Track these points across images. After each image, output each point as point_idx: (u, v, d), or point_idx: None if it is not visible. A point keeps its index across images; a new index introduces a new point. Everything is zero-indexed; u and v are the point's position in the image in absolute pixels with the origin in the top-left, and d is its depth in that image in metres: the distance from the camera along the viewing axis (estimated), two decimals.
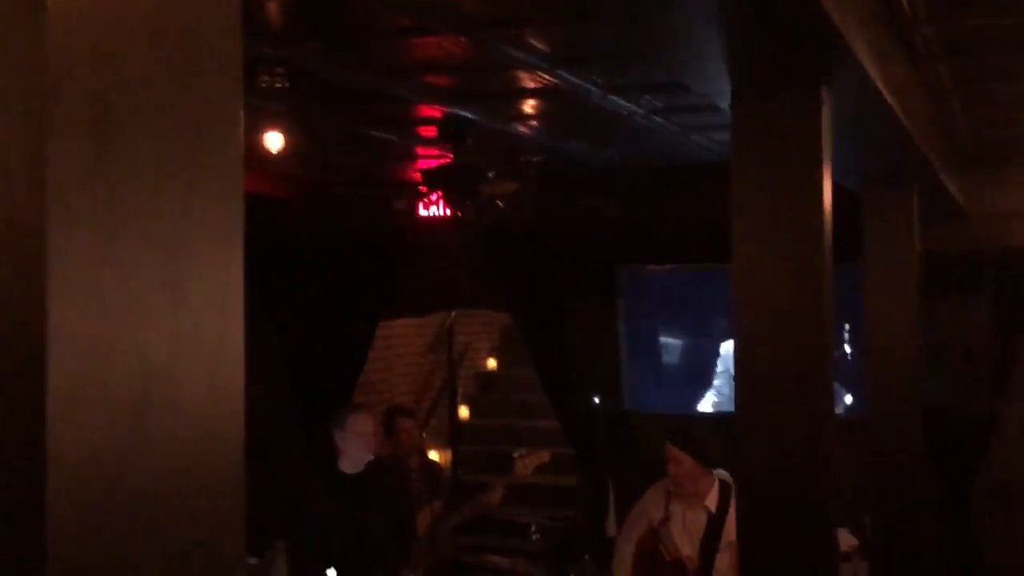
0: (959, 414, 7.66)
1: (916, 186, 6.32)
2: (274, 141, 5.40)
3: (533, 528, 7.64)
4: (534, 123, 6.59)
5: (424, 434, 8.01)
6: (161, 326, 1.21)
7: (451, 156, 6.72)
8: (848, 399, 7.83)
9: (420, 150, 7.47)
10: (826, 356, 3.58)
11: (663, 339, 8.52)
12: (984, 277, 7.64)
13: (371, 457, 6.48)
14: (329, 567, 6.27)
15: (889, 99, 4.14)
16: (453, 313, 10.76)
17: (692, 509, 5.82)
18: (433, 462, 8.42)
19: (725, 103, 3.72)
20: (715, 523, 5.70)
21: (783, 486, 3.52)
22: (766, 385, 3.60)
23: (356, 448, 6.42)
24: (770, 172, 3.64)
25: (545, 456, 7.28)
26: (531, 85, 5.59)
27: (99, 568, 1.13)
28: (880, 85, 3.92)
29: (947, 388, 7.40)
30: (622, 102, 5.77)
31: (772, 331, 3.58)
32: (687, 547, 5.76)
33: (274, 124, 5.52)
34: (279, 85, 5.02)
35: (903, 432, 6.43)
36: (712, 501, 5.76)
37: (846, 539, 6.29)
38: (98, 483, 1.13)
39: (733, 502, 5.53)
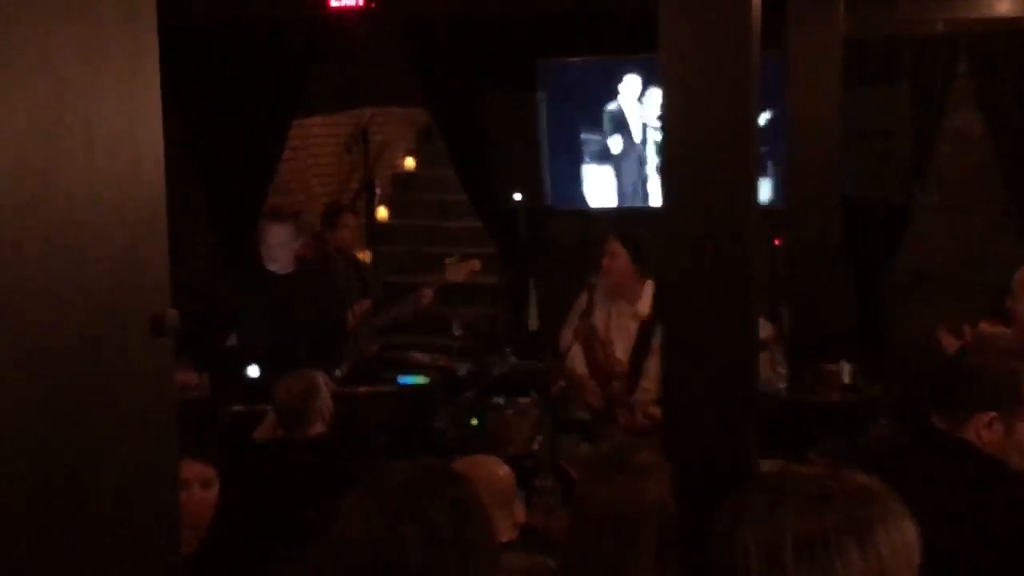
0: (877, 202, 7.75)
1: None
2: None
3: (455, 325, 7.68)
4: None
5: None
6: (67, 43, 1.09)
7: None
8: (767, 190, 7.86)
9: None
10: (750, 145, 3.51)
11: (584, 134, 8.41)
12: (903, 63, 7.60)
13: (293, 260, 6.42)
14: (252, 364, 6.26)
15: None
16: (369, 111, 10.51)
17: (623, 314, 5.83)
18: (362, 261, 8.38)
19: None
20: (646, 329, 5.72)
21: (704, 277, 3.49)
22: (690, 175, 3.53)
23: (276, 255, 6.36)
24: None
25: (476, 265, 7.28)
26: None
27: (16, 300, 1.05)
28: None
29: (865, 176, 7.44)
30: None
31: (696, 119, 3.50)
32: (618, 351, 5.80)
33: None
34: None
35: (823, 220, 6.49)
36: (644, 307, 5.77)
37: (763, 327, 6.40)
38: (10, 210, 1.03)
39: None
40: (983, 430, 2.98)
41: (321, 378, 5.31)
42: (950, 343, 4.74)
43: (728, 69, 3.44)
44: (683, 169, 3.49)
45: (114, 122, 1.20)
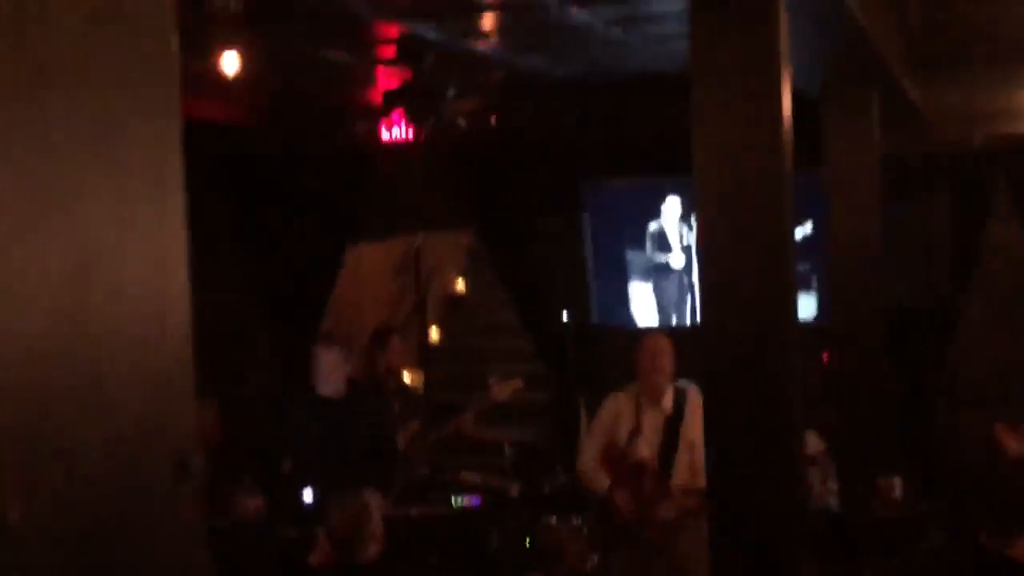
0: (920, 312, 7.78)
1: (876, 90, 6.35)
2: (230, 63, 5.35)
3: (505, 444, 7.74)
4: (493, 39, 6.55)
5: None
6: (97, 201, 1.21)
7: (411, 76, 6.68)
8: (811, 306, 7.93)
9: (381, 71, 7.41)
10: (788, 263, 3.62)
11: (629, 253, 8.56)
12: (942, 178, 7.70)
13: (345, 383, 6.56)
14: (307, 488, 6.36)
15: (847, 1, 4.15)
16: (420, 235, 10.74)
17: (650, 412, 5.98)
18: (408, 383, 8.51)
19: (681, 9, 3.71)
20: (672, 426, 5.86)
21: (749, 394, 3.57)
22: (728, 294, 3.63)
23: (327, 379, 6.50)
24: (729, 80, 3.64)
25: (518, 383, 7.39)
26: None
27: (43, 451, 1.13)
28: None
29: (908, 287, 7.50)
30: (580, 14, 5.74)
31: (734, 240, 3.61)
32: (646, 449, 5.92)
33: (228, 47, 5.46)
34: (232, 8, 4.97)
35: (865, 336, 6.53)
36: (668, 404, 5.92)
37: (814, 442, 6.41)
38: (40, 361, 1.12)
39: (691, 406, 5.66)
40: None
41: (373, 500, 5.38)
42: (1011, 444, 4.71)
43: (762, 189, 3.56)
44: (721, 287, 3.59)
45: (141, 279, 1.31)
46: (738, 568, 3.42)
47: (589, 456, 6.18)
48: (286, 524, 6.15)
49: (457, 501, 6.94)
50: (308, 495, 6.33)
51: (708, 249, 3.61)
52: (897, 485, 6.12)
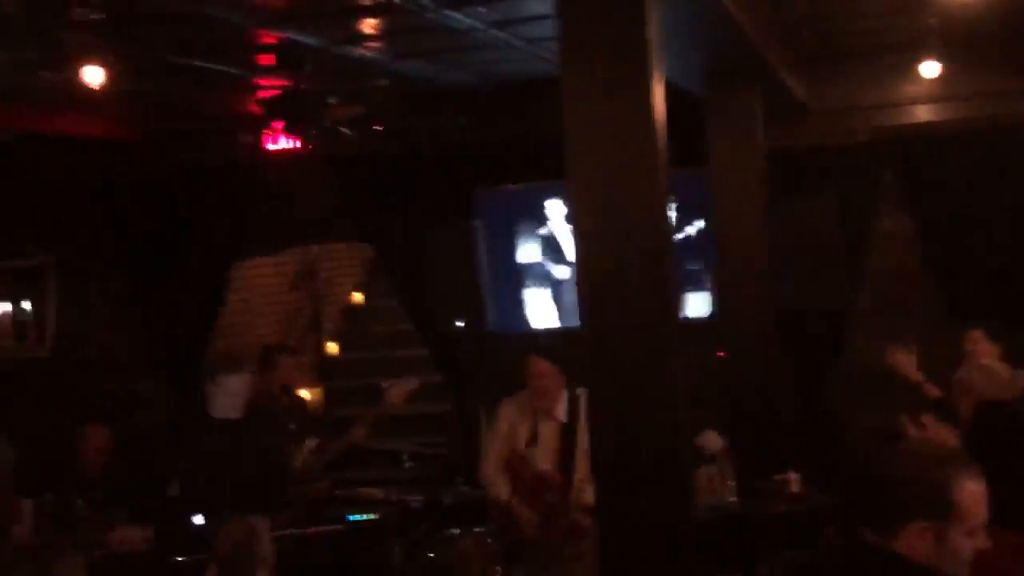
0: (813, 310, 7.83)
1: (758, 86, 6.36)
2: (94, 76, 5.15)
3: (405, 456, 7.62)
4: (374, 44, 6.43)
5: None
6: None
7: (290, 84, 6.54)
8: (706, 305, 7.94)
9: (262, 81, 7.24)
10: (665, 261, 3.55)
11: (522, 258, 8.50)
12: (829, 173, 7.77)
13: (241, 409, 6.40)
14: (198, 513, 6.18)
15: None
16: (316, 248, 10.58)
17: (545, 422, 5.90)
18: (302, 400, 8.32)
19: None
20: (568, 434, 5.78)
21: (630, 396, 3.50)
22: (607, 295, 3.56)
23: (228, 404, 6.33)
24: (597, 77, 3.57)
25: (413, 384, 7.26)
26: (363, 2, 5.43)
27: None
28: None
29: (800, 283, 7.54)
30: (458, 16, 5.65)
31: (609, 239, 3.54)
32: (544, 459, 5.85)
33: (93, 58, 5.26)
34: (94, 16, 4.78)
35: (758, 332, 6.54)
36: (561, 412, 5.84)
37: (714, 440, 6.40)
38: None
39: (583, 412, 5.60)
40: (915, 541, 2.90)
41: (261, 524, 5.22)
42: (912, 432, 4.71)
43: (636, 187, 3.49)
44: (598, 289, 3.52)
45: None
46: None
47: (490, 464, 6.08)
48: (175, 551, 5.96)
49: (354, 516, 6.80)
50: (199, 520, 6.15)
51: (584, 250, 3.54)
52: (794, 480, 6.13)
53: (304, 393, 8.88)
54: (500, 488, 5.98)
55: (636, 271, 3.48)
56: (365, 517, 6.79)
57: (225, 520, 5.24)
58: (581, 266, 3.60)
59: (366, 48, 6.42)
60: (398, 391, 7.22)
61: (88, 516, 6.63)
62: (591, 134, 3.52)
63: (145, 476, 6.28)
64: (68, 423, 7.96)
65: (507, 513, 5.98)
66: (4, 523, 6.49)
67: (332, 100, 6.69)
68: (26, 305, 7.51)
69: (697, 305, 8.29)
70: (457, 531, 6.49)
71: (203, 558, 5.48)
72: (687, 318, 8.36)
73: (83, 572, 6.06)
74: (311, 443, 7.27)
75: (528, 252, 8.55)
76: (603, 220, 3.53)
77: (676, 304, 3.66)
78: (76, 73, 5.36)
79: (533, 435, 5.90)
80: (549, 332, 8.42)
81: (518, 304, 8.56)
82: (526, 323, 8.56)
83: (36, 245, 7.45)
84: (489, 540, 6.19)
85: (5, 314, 7.38)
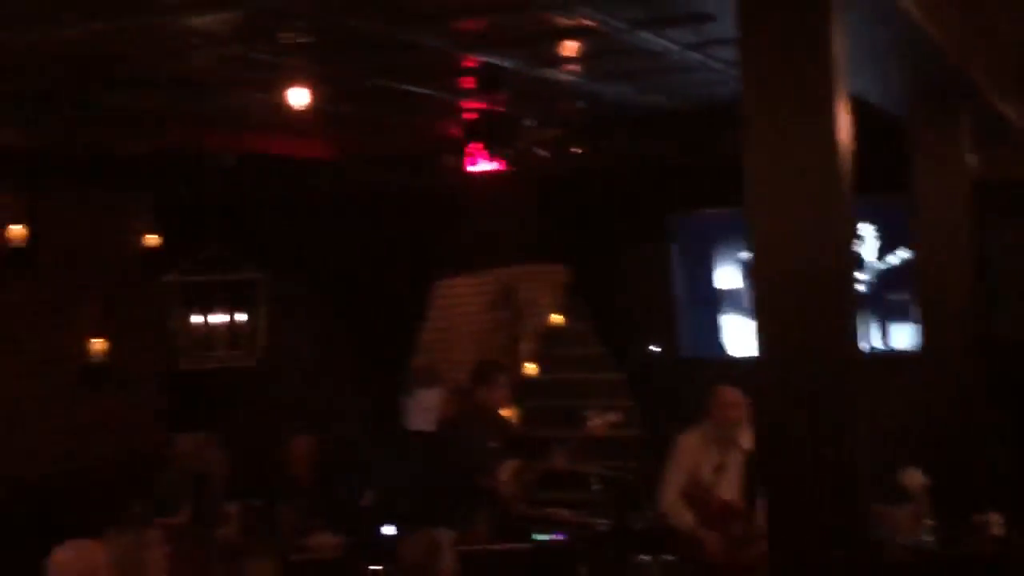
0: (1021, 343, 7.44)
1: (965, 109, 6.09)
2: (299, 97, 5.38)
3: (593, 479, 7.61)
4: (571, 67, 6.49)
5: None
6: None
7: (489, 107, 6.67)
8: (911, 336, 7.65)
9: (462, 104, 7.41)
10: (847, 292, 3.45)
11: (720, 283, 8.39)
12: None
13: (435, 424, 6.54)
14: (389, 523, 6.34)
15: (914, 13, 3.97)
16: (515, 269, 10.72)
17: (731, 452, 5.84)
18: (505, 419, 8.42)
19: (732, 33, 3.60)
20: (754, 463, 5.68)
21: (803, 432, 3.39)
22: (783, 327, 3.47)
23: (422, 418, 6.49)
24: (779, 102, 3.50)
25: (617, 417, 7.30)
26: (560, 25, 5.50)
27: None
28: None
29: (1010, 318, 7.17)
30: (652, 37, 5.64)
31: (788, 270, 3.45)
32: (729, 491, 5.78)
33: (301, 81, 5.50)
34: (301, 40, 4.99)
35: (962, 364, 6.24)
36: (747, 441, 5.75)
37: (915, 477, 6.16)
38: None
39: None
40: None
41: (445, 537, 5.32)
42: None
43: (817, 216, 3.41)
44: (775, 319, 3.44)
45: None
46: None
47: (670, 494, 6.06)
48: (365, 559, 6.13)
49: (541, 536, 6.83)
50: (390, 530, 6.31)
51: (761, 277, 3.47)
52: (995, 522, 5.82)
53: (505, 412, 9.00)
54: (683, 516, 5.95)
55: (815, 299, 3.39)
56: (552, 537, 6.82)
57: (412, 531, 5.38)
58: (758, 292, 3.53)
59: (563, 70, 6.49)
60: (599, 422, 7.27)
61: (289, 522, 6.92)
62: (771, 158, 3.46)
63: (342, 486, 6.51)
64: (274, 431, 8.33)
65: (693, 541, 5.93)
66: (211, 524, 6.83)
67: (529, 122, 6.78)
68: (240, 317, 7.88)
69: (903, 337, 8.00)
70: (645, 558, 6.44)
71: (390, 568, 5.63)
72: (892, 350, 8.09)
73: (277, 574, 6.31)
74: (513, 463, 7.37)
75: (727, 277, 8.43)
76: (781, 247, 3.46)
77: (854, 337, 3.54)
78: (284, 96, 5.61)
79: (719, 465, 5.85)
80: (747, 360, 8.27)
81: (714, 330, 8.45)
82: (722, 350, 8.44)
83: (251, 261, 7.83)
84: (677, 568, 6.15)
85: (221, 324, 7.77)
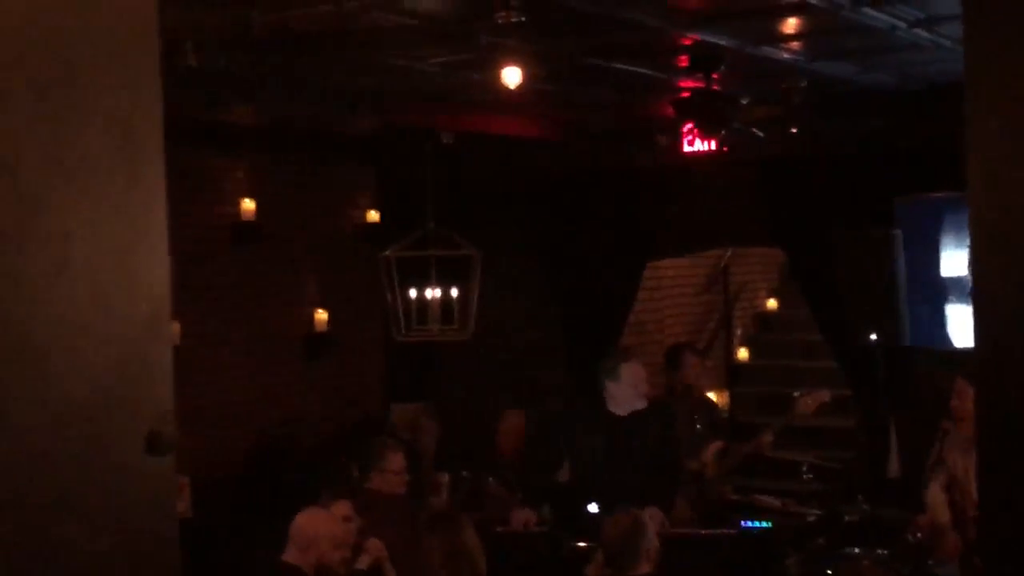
0: None
1: None
2: (513, 76, 5.43)
3: (805, 468, 7.44)
4: (790, 44, 6.32)
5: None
6: None
7: (703, 85, 6.56)
8: None
9: (677, 83, 7.33)
10: None
11: (946, 272, 8.02)
12: None
13: (641, 403, 6.53)
14: (592, 503, 6.37)
15: None
16: (728, 251, 10.57)
17: (969, 452, 5.56)
18: (711, 402, 8.34)
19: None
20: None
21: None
22: (1004, 319, 3.25)
23: (627, 396, 6.47)
24: (1008, 83, 3.27)
25: (826, 396, 7.15)
26: (780, 1, 5.36)
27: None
28: None
29: None
30: (877, 15, 5.43)
31: (1013, 256, 3.23)
32: (975, 491, 5.55)
33: (515, 60, 5.55)
34: (515, 20, 5.03)
35: None
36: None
37: None
38: None
39: None
40: None
41: (649, 517, 5.30)
42: None
43: None
44: (995, 310, 3.24)
45: (118, 271, 1.32)
46: None
47: (937, 486, 5.86)
48: (569, 535, 6.18)
49: (750, 523, 6.73)
50: (593, 507, 6.34)
51: (981, 264, 3.27)
52: None
53: (711, 395, 8.91)
54: (942, 512, 5.75)
55: None
56: (760, 525, 6.71)
57: (615, 510, 5.38)
58: (977, 281, 3.32)
59: (782, 48, 6.33)
60: (810, 402, 7.12)
61: (497, 494, 7.04)
62: (994, 146, 3.25)
63: (545, 461, 6.58)
64: (485, 405, 8.48)
65: (940, 535, 5.72)
66: (424, 492, 7.02)
67: (745, 101, 6.65)
68: (454, 292, 8.05)
69: None
70: (857, 550, 6.26)
71: (594, 545, 5.66)
72: None
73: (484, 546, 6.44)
74: (716, 445, 7.30)
75: (955, 265, 8.05)
76: (1007, 234, 3.25)
77: None
78: (500, 75, 5.68)
79: (967, 465, 5.61)
80: (972, 351, 7.89)
81: (940, 320, 8.08)
82: (947, 341, 8.07)
83: (466, 237, 7.98)
84: (891, 563, 5.95)
85: (435, 299, 7.95)
